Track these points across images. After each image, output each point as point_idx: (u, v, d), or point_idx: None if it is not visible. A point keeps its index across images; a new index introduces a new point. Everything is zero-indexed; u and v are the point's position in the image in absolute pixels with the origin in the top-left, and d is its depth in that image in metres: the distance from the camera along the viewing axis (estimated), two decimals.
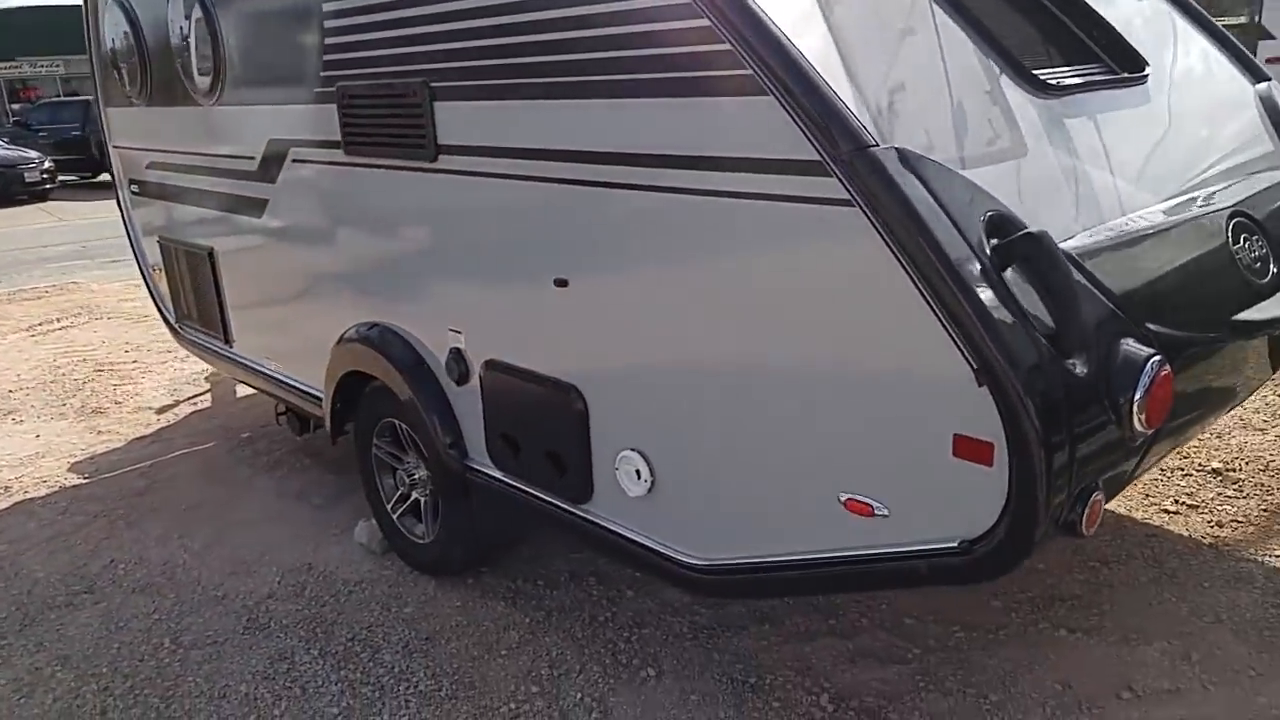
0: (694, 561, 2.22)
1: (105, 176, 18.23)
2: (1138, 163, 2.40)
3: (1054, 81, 2.26)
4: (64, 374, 5.95)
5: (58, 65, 26.04)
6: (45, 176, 16.18)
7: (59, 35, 24.73)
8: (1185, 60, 2.94)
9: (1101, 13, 2.64)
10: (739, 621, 2.86)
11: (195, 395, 5.51)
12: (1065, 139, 2.19)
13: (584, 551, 3.25)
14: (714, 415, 2.08)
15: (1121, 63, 2.58)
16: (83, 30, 4.31)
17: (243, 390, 5.49)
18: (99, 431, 4.97)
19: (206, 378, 5.81)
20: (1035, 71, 2.24)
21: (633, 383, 2.26)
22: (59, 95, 23.93)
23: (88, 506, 4.02)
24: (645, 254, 2.11)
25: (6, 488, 4.29)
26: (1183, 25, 3.07)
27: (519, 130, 2.34)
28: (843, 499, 1.85)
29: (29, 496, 4.19)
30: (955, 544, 1.69)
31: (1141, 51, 2.64)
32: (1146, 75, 2.59)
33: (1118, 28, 2.64)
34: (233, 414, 5.15)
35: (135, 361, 6.21)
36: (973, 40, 2.20)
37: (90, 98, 19.88)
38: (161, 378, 5.86)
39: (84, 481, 4.31)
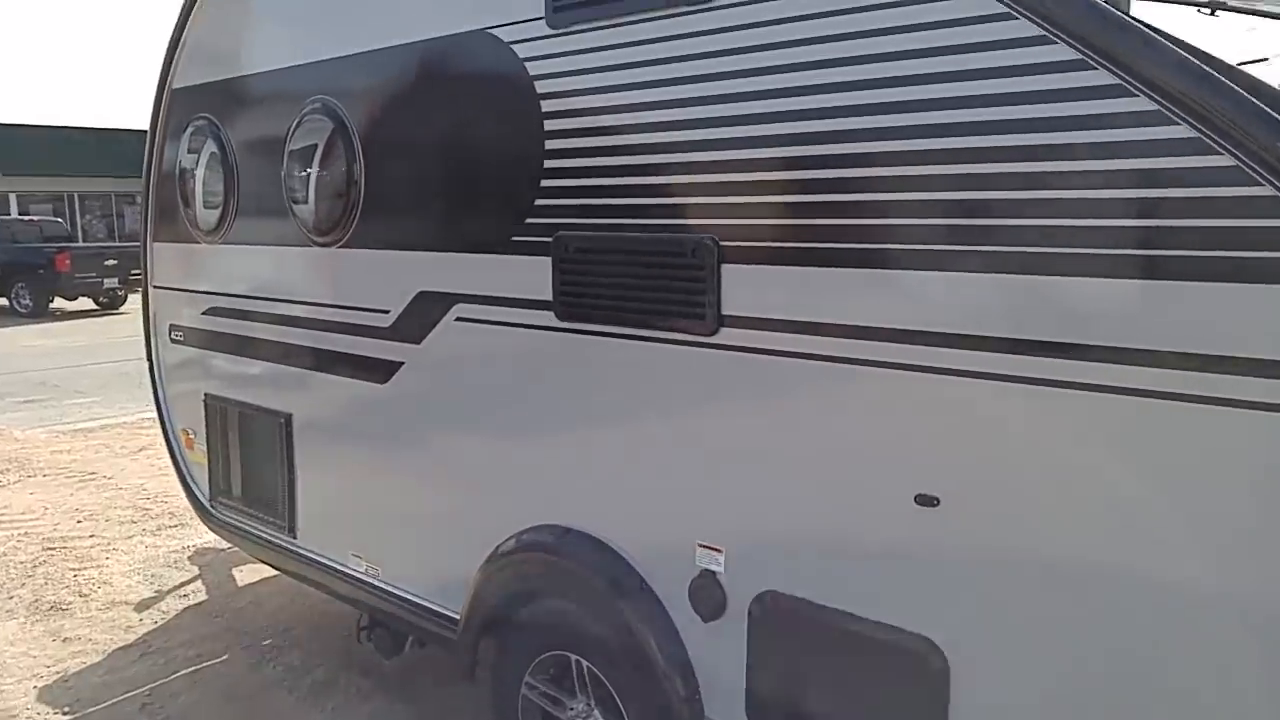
0: None
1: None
2: None
3: None
4: (4, 556, 4.83)
5: None
6: None
7: None
8: None
9: None
10: None
11: (182, 584, 4.51)
12: None
13: None
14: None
15: None
16: (144, 157, 3.68)
17: (245, 576, 4.54)
18: (64, 639, 3.92)
19: (190, 559, 4.83)
20: None
21: (1050, 640, 1.69)
22: None
23: None
24: (1120, 471, 1.60)
25: None
26: None
27: (872, 305, 1.85)
28: None
29: None
30: None
31: None
32: None
33: None
34: (240, 610, 4.20)
35: (93, 536, 5.15)
36: None
37: None
38: (131, 557, 4.84)
39: (64, 718, 3.27)
